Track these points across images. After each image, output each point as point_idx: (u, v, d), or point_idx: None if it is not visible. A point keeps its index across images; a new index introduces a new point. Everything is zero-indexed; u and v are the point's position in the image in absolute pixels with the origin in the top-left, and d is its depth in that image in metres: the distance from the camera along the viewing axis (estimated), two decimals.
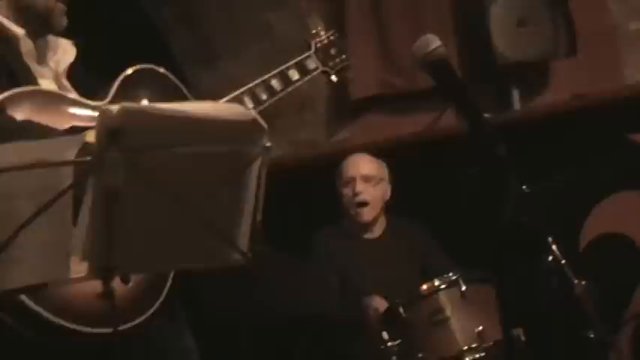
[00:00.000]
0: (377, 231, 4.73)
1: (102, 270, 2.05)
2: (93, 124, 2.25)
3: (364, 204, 4.61)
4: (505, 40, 5.02)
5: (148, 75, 2.73)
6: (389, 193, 4.72)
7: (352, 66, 3.28)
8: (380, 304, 4.32)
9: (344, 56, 3.24)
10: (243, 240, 2.17)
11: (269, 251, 3.73)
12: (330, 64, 3.20)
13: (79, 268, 2.08)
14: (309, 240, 4.73)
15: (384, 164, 4.75)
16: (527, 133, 4.84)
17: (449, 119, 5.26)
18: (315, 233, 4.72)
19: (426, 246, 4.65)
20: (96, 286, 2.13)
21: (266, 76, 2.97)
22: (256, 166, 2.15)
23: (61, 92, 2.63)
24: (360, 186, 4.61)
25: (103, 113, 1.95)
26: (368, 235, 4.71)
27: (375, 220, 4.68)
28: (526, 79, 5.25)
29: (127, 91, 2.66)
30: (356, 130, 5.61)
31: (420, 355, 3.98)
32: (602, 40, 5.16)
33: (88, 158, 1.96)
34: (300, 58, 3.11)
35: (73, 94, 2.67)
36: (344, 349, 4.48)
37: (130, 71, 2.71)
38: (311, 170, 5.38)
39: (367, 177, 4.64)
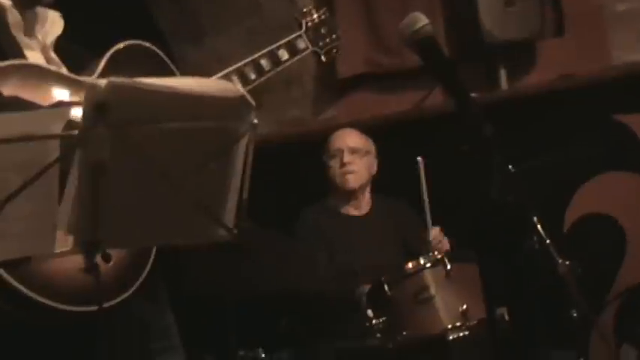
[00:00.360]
0: (363, 208, 4.76)
1: (87, 244, 2.05)
2: (79, 99, 2.25)
3: (351, 172, 4.66)
4: (492, 19, 5.02)
5: (136, 50, 2.72)
6: (375, 167, 4.77)
7: (340, 45, 3.26)
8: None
9: (334, 36, 3.22)
10: (229, 216, 2.17)
11: (254, 227, 3.74)
12: (320, 43, 3.18)
13: (64, 242, 2.07)
14: (294, 217, 4.75)
15: (371, 140, 4.80)
16: (514, 113, 4.84)
17: (435, 98, 5.27)
18: (303, 210, 4.75)
19: (412, 225, 4.66)
20: (79, 263, 2.13)
21: (255, 56, 2.96)
22: (243, 142, 2.15)
23: (48, 67, 2.61)
24: (347, 157, 4.68)
25: (91, 88, 1.95)
26: (354, 212, 4.75)
27: (361, 191, 4.72)
28: (513, 58, 5.25)
29: (115, 67, 2.65)
30: (343, 108, 5.60)
31: (404, 332, 4.00)
32: (590, 21, 5.17)
33: (75, 132, 1.96)
34: (290, 37, 3.09)
35: (60, 69, 2.65)
36: (330, 325, 4.50)
37: (117, 47, 2.69)
38: (297, 148, 5.38)
39: (354, 149, 4.70)
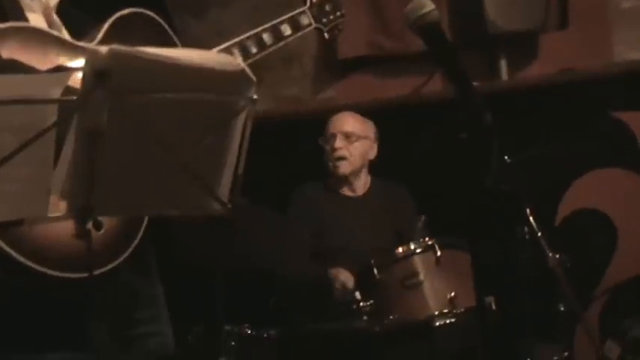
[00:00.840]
0: (359, 189, 4.76)
1: (80, 210, 2.04)
2: (79, 65, 2.24)
3: (341, 158, 4.65)
4: (497, 9, 5.02)
5: (139, 19, 2.69)
6: (374, 152, 4.76)
7: (343, 23, 3.23)
8: (347, 278, 4.36)
9: (338, 13, 3.19)
10: (224, 190, 2.17)
11: (247, 203, 3.74)
12: (324, 20, 3.15)
13: (57, 207, 2.07)
14: (287, 195, 4.76)
15: (371, 123, 4.78)
16: (513, 104, 4.84)
17: (435, 84, 5.26)
18: (300, 185, 4.77)
19: (409, 210, 4.65)
20: (70, 229, 2.12)
21: (257, 30, 2.93)
22: (242, 117, 2.14)
23: (49, 30, 2.59)
24: (339, 142, 4.66)
25: (92, 54, 1.94)
26: (349, 193, 4.76)
27: (354, 176, 4.72)
28: (515, 49, 5.25)
29: (116, 34, 2.62)
30: (342, 90, 5.60)
31: (391, 316, 4.00)
32: (594, 16, 5.16)
33: (74, 97, 1.95)
34: (293, 13, 3.06)
35: (62, 33, 2.63)
36: (315, 303, 4.51)
37: (120, 14, 2.67)
38: (294, 126, 5.38)
39: (347, 134, 4.68)
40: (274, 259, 4.24)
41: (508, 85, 5.21)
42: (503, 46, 5.23)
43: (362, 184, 4.76)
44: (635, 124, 4.96)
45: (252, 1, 5.51)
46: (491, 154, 2.46)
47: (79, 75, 1.99)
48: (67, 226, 2.22)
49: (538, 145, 4.66)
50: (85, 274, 2.27)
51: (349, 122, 4.73)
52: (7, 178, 1.95)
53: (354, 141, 4.67)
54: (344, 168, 4.68)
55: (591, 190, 5.04)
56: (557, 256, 2.67)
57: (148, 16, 2.69)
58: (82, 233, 2.10)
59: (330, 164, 4.70)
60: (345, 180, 4.72)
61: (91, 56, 1.95)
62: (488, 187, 2.51)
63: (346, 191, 4.75)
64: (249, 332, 4.08)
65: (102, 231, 2.31)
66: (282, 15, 3.07)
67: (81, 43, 2.58)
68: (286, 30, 3.00)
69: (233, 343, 4.02)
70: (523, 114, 4.90)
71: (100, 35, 2.59)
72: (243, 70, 2.13)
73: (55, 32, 2.58)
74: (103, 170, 2.01)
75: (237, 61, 2.62)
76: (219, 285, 3.91)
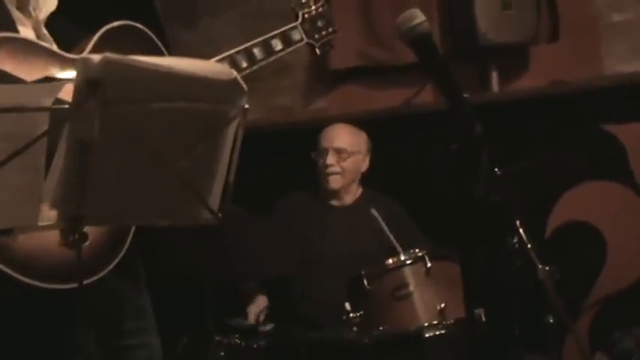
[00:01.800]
0: (348, 199, 4.76)
1: (71, 219, 2.04)
2: (67, 76, 2.23)
3: (333, 173, 4.67)
4: (489, 21, 5.03)
5: (128, 31, 2.68)
6: (365, 164, 4.76)
7: (335, 39, 3.22)
8: (259, 307, 4.50)
9: (331, 29, 3.18)
10: (215, 199, 2.17)
11: (237, 211, 3.74)
12: (316, 36, 3.14)
13: (47, 216, 2.07)
14: (274, 204, 4.77)
15: (364, 135, 4.78)
16: (503, 116, 4.85)
17: (426, 96, 5.27)
18: (291, 193, 4.78)
19: (400, 220, 4.65)
20: (56, 239, 2.11)
21: (248, 44, 2.93)
22: (233, 126, 2.14)
23: (38, 42, 2.58)
24: (330, 158, 4.67)
25: (84, 62, 1.94)
26: (337, 203, 4.76)
27: (345, 189, 4.72)
28: (506, 62, 5.26)
29: (105, 46, 2.61)
30: (333, 100, 5.60)
31: (380, 327, 4.00)
32: (584, 29, 5.18)
33: (66, 106, 1.95)
34: (285, 28, 3.05)
35: (51, 45, 2.63)
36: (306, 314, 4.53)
37: (109, 26, 2.66)
38: (285, 136, 5.39)
39: (339, 149, 4.68)
40: (263, 267, 4.25)
41: (499, 97, 5.22)
42: (494, 58, 5.24)
43: (351, 194, 4.77)
44: (625, 137, 4.98)
45: (243, 11, 5.52)
46: (481, 166, 2.46)
47: (68, 87, 1.99)
48: (53, 237, 2.21)
49: (528, 157, 4.67)
50: (71, 285, 2.27)
51: (341, 137, 4.72)
52: None
53: (345, 158, 4.68)
54: (335, 183, 4.69)
55: (581, 203, 5.05)
56: (547, 267, 2.67)
57: (138, 28, 2.68)
58: (70, 243, 2.09)
59: (322, 178, 4.71)
60: (336, 193, 4.73)
61: (83, 64, 1.94)
62: (478, 198, 2.52)
63: (335, 202, 4.76)
64: (238, 342, 4.08)
65: (87, 242, 2.29)
66: (273, 25, 3.07)
67: (70, 55, 2.57)
68: (277, 45, 3.00)
69: (222, 354, 4.02)
70: (514, 126, 4.91)
71: (89, 47, 2.58)
72: (235, 79, 2.13)
73: (44, 44, 2.57)
74: (94, 179, 2.00)
75: (229, 69, 2.62)
76: (208, 295, 3.91)
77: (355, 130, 4.78)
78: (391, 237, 4.25)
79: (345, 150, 4.68)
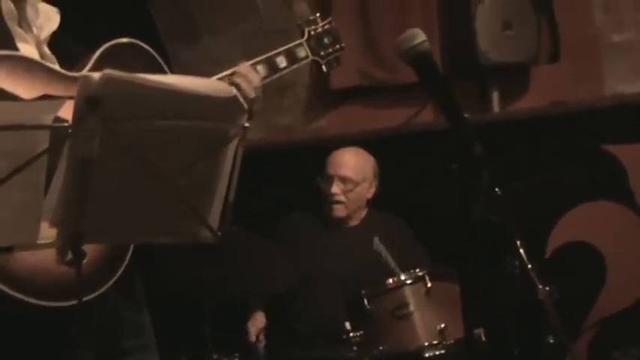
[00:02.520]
0: (352, 223, 4.72)
1: (71, 237, 2.03)
2: (67, 94, 2.22)
3: (338, 202, 4.62)
4: (489, 41, 5.04)
5: (129, 49, 2.66)
6: (372, 191, 4.69)
7: (342, 55, 3.19)
8: (258, 322, 4.47)
9: (338, 46, 3.14)
10: (214, 218, 2.16)
11: (237, 231, 3.74)
12: (322, 53, 3.09)
13: (46, 234, 2.06)
14: (276, 224, 4.75)
15: (371, 161, 4.70)
16: (504, 136, 4.85)
17: (427, 115, 5.28)
18: (292, 213, 4.75)
19: (403, 240, 4.63)
20: (54, 257, 2.10)
21: (252, 61, 2.91)
22: (233, 145, 2.14)
23: (38, 60, 2.55)
24: (335, 187, 4.60)
25: (85, 79, 1.93)
26: (340, 224, 4.71)
27: (349, 216, 4.68)
28: (507, 82, 5.27)
29: (106, 64, 2.59)
30: (333, 120, 5.61)
31: (380, 347, 4.00)
32: (585, 49, 5.19)
33: (66, 124, 1.95)
34: (290, 45, 3.02)
35: (53, 64, 2.61)
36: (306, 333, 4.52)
37: (110, 44, 2.62)
38: (285, 155, 5.39)
39: (345, 179, 4.61)
40: (261, 286, 4.25)
41: (499, 117, 5.23)
42: (494, 78, 5.25)
43: (356, 219, 4.71)
44: (626, 158, 4.98)
45: (244, 29, 5.53)
46: (481, 185, 2.46)
47: (68, 104, 1.98)
48: (51, 254, 2.19)
49: (528, 177, 4.67)
50: (70, 303, 2.26)
51: (347, 166, 4.63)
52: None
53: (351, 188, 4.60)
54: (339, 212, 4.63)
55: (581, 223, 5.04)
56: (547, 288, 2.66)
57: (139, 46, 2.64)
58: (68, 261, 2.08)
59: (326, 205, 4.64)
60: (339, 220, 4.68)
61: (84, 82, 1.93)
62: (478, 218, 2.51)
63: (338, 224, 4.71)
64: None
65: (85, 260, 2.28)
66: (275, 43, 3.05)
67: (70, 73, 2.56)
68: (282, 62, 2.96)
69: None
70: (514, 146, 4.91)
71: (90, 65, 2.56)
72: (235, 97, 2.12)
73: (43, 62, 2.56)
74: (94, 197, 2.00)
75: (229, 87, 2.62)
76: (207, 313, 3.91)
77: (363, 157, 4.70)
78: (392, 265, 4.20)
79: (352, 180, 4.61)
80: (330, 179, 4.62)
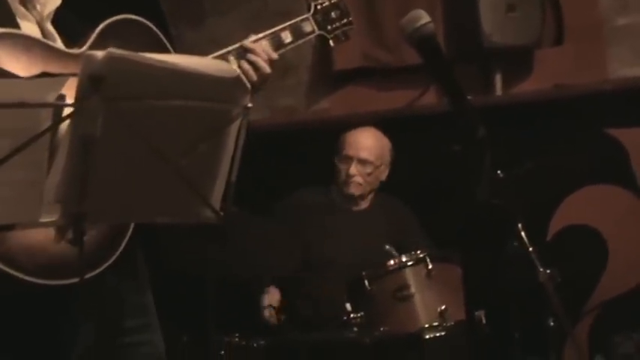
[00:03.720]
0: (362, 205, 4.71)
1: (73, 215, 2.03)
2: (66, 71, 2.20)
3: (355, 182, 4.61)
4: (493, 23, 5.02)
5: (130, 26, 2.61)
6: (386, 173, 4.69)
7: (351, 30, 3.12)
8: (272, 297, 4.44)
9: (345, 20, 3.09)
10: (217, 198, 2.16)
11: (239, 211, 3.74)
12: (329, 27, 3.02)
13: (49, 212, 2.06)
14: (278, 205, 4.75)
15: (388, 145, 4.70)
16: (507, 118, 4.85)
17: (430, 97, 5.27)
18: (299, 190, 4.72)
19: (407, 224, 4.63)
20: (52, 236, 2.09)
21: (257, 36, 2.87)
22: (235, 125, 2.13)
23: (39, 38, 2.53)
24: (353, 169, 4.59)
25: (87, 58, 1.93)
26: (349, 206, 4.70)
27: (363, 196, 4.67)
28: (510, 64, 5.26)
29: (106, 41, 2.55)
30: (336, 101, 5.60)
31: (381, 328, 4.00)
32: (589, 33, 5.18)
33: (69, 102, 1.94)
34: (296, 20, 2.97)
35: (55, 42, 2.60)
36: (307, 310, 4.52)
37: (109, 21, 2.56)
38: (288, 136, 5.38)
39: (364, 161, 4.61)
40: (264, 266, 4.25)
41: (502, 100, 5.22)
42: (498, 61, 5.24)
43: (366, 201, 4.71)
44: (628, 141, 4.98)
45: (249, 10, 5.51)
46: (484, 168, 2.46)
47: (71, 81, 1.97)
48: (49, 233, 2.19)
49: (531, 160, 4.67)
50: (71, 281, 2.25)
51: (369, 149, 4.62)
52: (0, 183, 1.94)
53: (369, 171, 4.60)
54: (355, 189, 4.62)
55: (583, 206, 5.05)
56: (548, 270, 2.67)
57: (141, 23, 2.60)
58: (69, 240, 2.08)
59: (342, 182, 4.62)
60: (354, 199, 4.67)
61: (87, 60, 1.92)
62: (480, 201, 2.51)
63: (348, 205, 4.70)
64: (238, 342, 4.08)
65: (85, 237, 2.27)
66: (281, 24, 3.01)
67: (71, 51, 2.54)
68: (287, 37, 2.92)
69: (222, 353, 4.02)
70: (517, 128, 4.91)
71: (89, 42, 2.54)
72: (237, 77, 2.12)
73: (44, 40, 2.54)
74: (96, 176, 1.99)
75: (232, 67, 2.60)
76: (210, 294, 3.91)
77: (382, 141, 4.69)
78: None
79: (372, 163, 4.61)
80: (348, 160, 4.61)
